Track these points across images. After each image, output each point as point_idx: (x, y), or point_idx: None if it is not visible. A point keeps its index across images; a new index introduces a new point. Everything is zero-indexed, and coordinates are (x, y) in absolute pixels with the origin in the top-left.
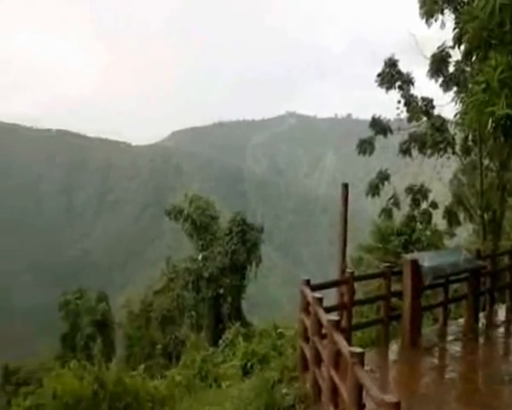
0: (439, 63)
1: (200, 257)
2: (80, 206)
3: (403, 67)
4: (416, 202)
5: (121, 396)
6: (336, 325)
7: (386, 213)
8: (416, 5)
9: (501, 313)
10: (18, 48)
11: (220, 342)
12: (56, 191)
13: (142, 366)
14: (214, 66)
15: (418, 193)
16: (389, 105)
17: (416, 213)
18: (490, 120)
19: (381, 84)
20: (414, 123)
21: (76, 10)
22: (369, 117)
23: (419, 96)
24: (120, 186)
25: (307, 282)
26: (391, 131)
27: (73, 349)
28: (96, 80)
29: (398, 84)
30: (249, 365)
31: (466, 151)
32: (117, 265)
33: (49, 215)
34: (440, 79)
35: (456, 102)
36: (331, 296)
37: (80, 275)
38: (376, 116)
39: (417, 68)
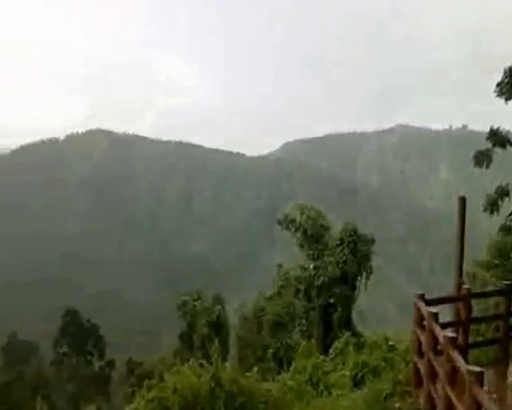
0: None
1: (311, 266)
2: (197, 212)
3: None
4: None
5: (236, 396)
6: (452, 341)
7: (506, 229)
8: None
9: None
10: (145, 65)
11: (330, 350)
12: (174, 199)
13: (256, 369)
14: (326, 79)
15: None
16: (508, 117)
17: None
18: None
19: (500, 95)
20: None
21: (193, 24)
22: (485, 129)
23: None
24: (235, 195)
25: (422, 296)
26: (510, 144)
27: (191, 347)
28: (213, 95)
29: None
30: (360, 375)
31: None
32: (230, 269)
33: (168, 220)
34: None
35: None
36: (444, 312)
37: (195, 277)
38: (495, 127)
39: None
